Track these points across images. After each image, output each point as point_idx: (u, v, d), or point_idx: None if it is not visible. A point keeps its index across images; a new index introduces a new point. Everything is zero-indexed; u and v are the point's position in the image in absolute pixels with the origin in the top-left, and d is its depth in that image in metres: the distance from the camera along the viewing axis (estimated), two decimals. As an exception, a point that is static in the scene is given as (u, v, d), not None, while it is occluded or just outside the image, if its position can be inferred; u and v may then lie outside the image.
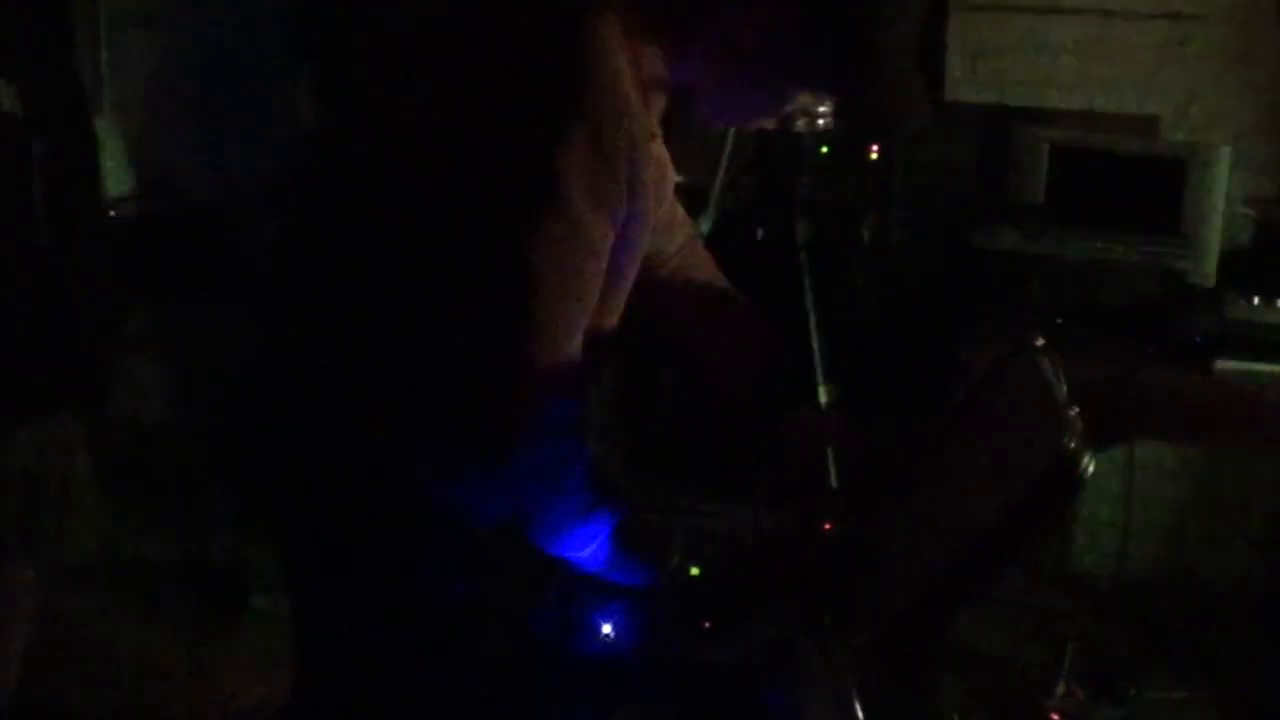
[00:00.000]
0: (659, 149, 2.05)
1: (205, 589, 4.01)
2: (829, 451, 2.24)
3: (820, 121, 2.15)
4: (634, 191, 1.84)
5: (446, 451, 1.89)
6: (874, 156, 3.86)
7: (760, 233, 3.76)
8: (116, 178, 4.63)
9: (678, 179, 2.26)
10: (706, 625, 2.07)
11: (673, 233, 2.32)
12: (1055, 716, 3.60)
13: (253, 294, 2.27)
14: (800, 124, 2.08)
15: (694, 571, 2.04)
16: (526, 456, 1.85)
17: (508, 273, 1.79)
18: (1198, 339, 3.58)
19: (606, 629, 2.06)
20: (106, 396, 3.22)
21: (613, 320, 1.98)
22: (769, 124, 2.15)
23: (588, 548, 1.95)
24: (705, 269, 2.36)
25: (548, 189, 1.76)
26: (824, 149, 3.67)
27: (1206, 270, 3.82)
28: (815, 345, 3.05)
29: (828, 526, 2.12)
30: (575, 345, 1.87)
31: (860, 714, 1.91)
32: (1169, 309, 3.74)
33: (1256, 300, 3.64)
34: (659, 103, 1.97)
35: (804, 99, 2.06)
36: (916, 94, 1.91)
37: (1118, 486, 4.06)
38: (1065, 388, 1.84)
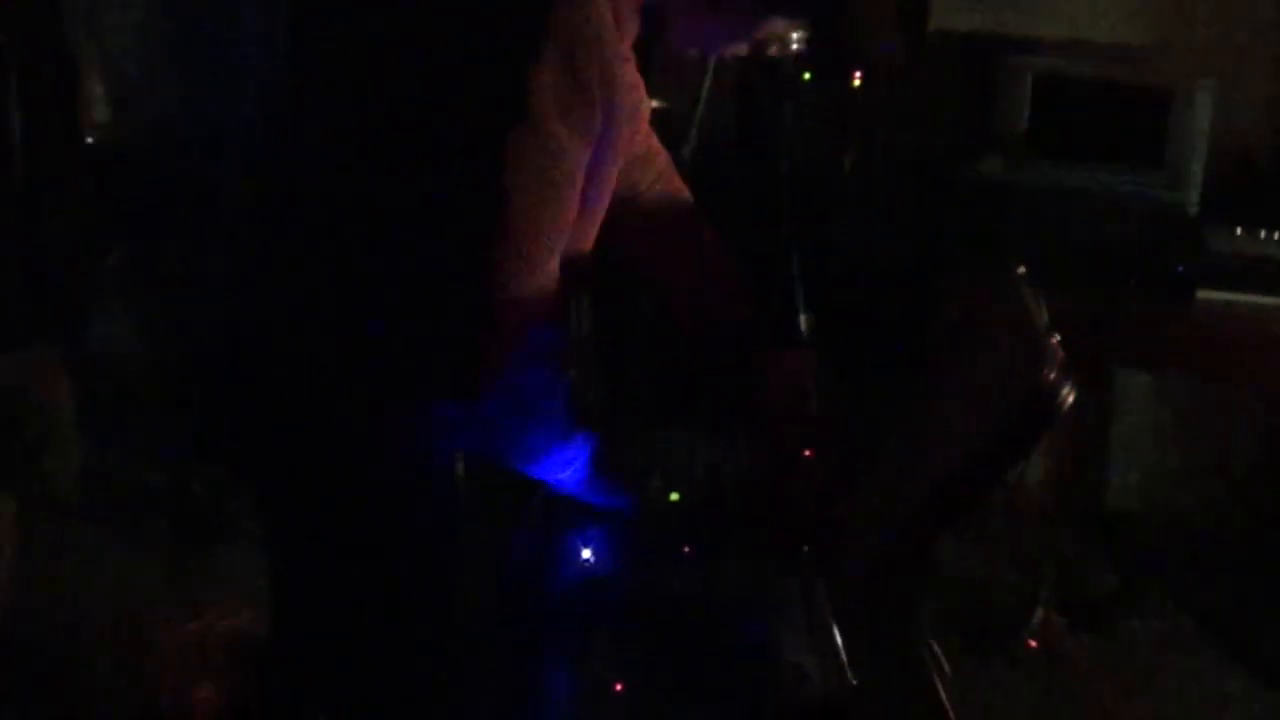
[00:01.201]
0: (633, 74, 2.04)
1: (186, 517, 4.01)
2: (811, 380, 2.24)
3: (794, 47, 2.13)
4: (608, 114, 1.85)
5: (423, 378, 1.89)
6: (857, 84, 3.83)
7: (742, 161, 3.75)
8: (95, 107, 4.59)
9: (656, 105, 2.25)
10: (686, 552, 2.08)
11: (648, 163, 2.31)
12: (1033, 644, 3.62)
13: (230, 223, 2.27)
14: (774, 50, 2.07)
15: (673, 497, 2.06)
16: (506, 382, 1.85)
17: (483, 193, 1.79)
18: (1180, 270, 3.58)
19: (586, 554, 2.07)
20: (86, 327, 3.21)
21: (587, 246, 1.99)
22: (741, 50, 2.15)
23: (566, 470, 1.96)
24: (679, 203, 2.36)
25: (520, 108, 1.76)
26: (806, 75, 3.65)
27: (1190, 201, 3.82)
28: (795, 275, 3.05)
29: (808, 454, 2.13)
30: (553, 268, 1.87)
31: (840, 644, 1.92)
32: (1151, 240, 3.74)
33: (1239, 231, 3.65)
34: (632, 26, 1.97)
35: (776, 25, 2.05)
36: (886, 22, 1.91)
37: (1098, 417, 4.07)
38: (1045, 317, 1.84)
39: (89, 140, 4.12)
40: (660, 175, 2.34)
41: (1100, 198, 3.82)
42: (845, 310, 3.53)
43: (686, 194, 2.39)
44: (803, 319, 2.87)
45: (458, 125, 1.79)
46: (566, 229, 1.89)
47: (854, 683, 1.86)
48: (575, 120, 1.80)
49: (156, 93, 4.66)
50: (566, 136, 1.80)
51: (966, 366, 2.01)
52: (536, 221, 1.82)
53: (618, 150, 1.94)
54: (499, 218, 1.79)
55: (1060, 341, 1.75)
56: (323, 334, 1.93)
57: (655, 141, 2.35)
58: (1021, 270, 1.97)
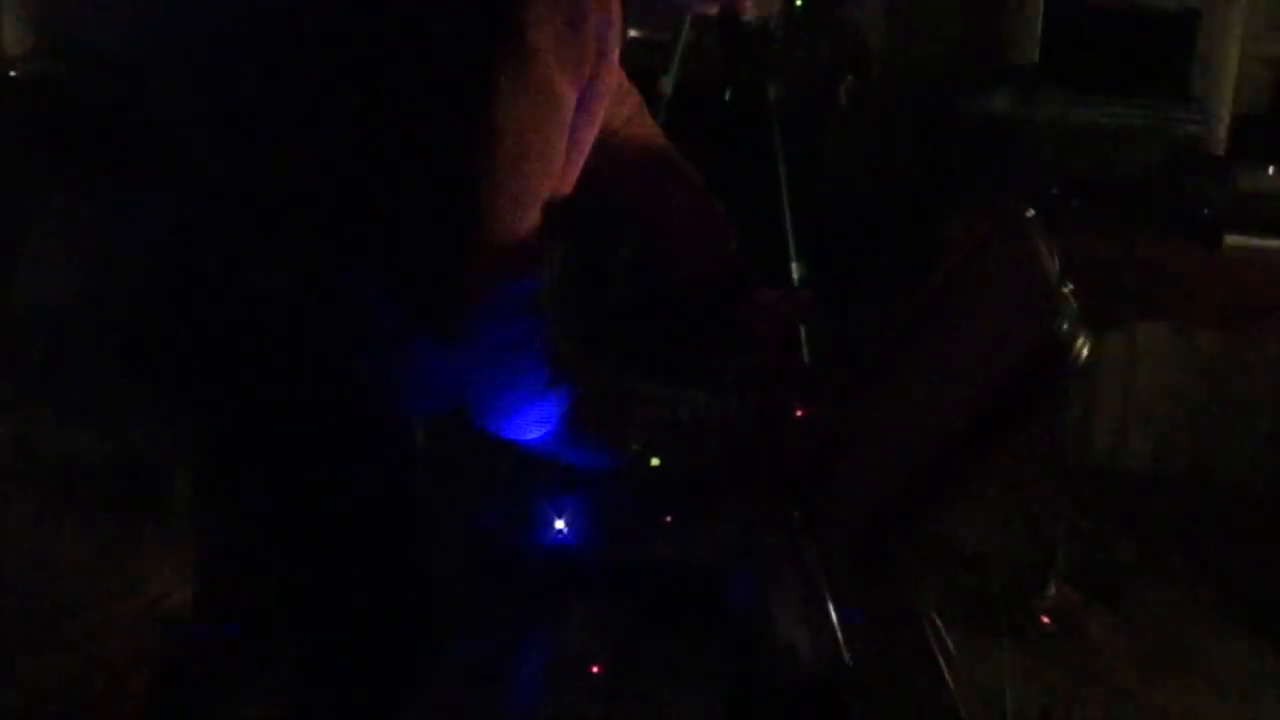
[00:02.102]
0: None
1: (127, 485, 4.01)
2: (800, 330, 2.26)
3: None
4: (602, 53, 1.89)
5: (393, 330, 1.92)
6: (852, 10, 3.83)
7: (728, 94, 3.75)
8: (15, 34, 4.56)
9: (632, 34, 2.26)
10: (667, 519, 2.10)
11: (620, 101, 2.33)
12: (1045, 619, 3.65)
13: (168, 164, 2.26)
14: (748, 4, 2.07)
15: (654, 461, 2.07)
16: (483, 334, 1.88)
17: (470, 133, 1.81)
18: (1206, 212, 3.59)
19: (559, 522, 2.09)
20: (10, 279, 3.20)
21: (567, 188, 2.00)
22: (711, 9, 2.15)
23: (539, 429, 1.97)
24: (655, 141, 2.38)
25: (520, 50, 1.79)
26: (798, 1, 3.65)
27: (1217, 137, 3.82)
28: (787, 217, 3.06)
29: (799, 413, 2.15)
30: (535, 215, 1.89)
31: (834, 618, 1.94)
32: (1175, 179, 3.74)
33: (1271, 170, 3.65)
34: None
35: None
36: None
37: (1115, 373, 4.10)
38: (1058, 264, 1.85)
39: (11, 74, 4.10)
40: (634, 112, 2.36)
41: (1118, 133, 3.81)
42: (840, 256, 3.54)
43: (660, 134, 2.41)
44: (794, 266, 2.89)
45: (445, 60, 1.82)
46: (555, 173, 1.91)
47: (849, 662, 1.88)
48: (570, 59, 1.83)
49: (81, 17, 4.63)
50: (559, 75, 1.83)
51: (971, 318, 2.02)
52: (525, 162, 1.84)
53: (606, 92, 1.97)
54: (488, 158, 1.82)
55: (1073, 291, 1.76)
56: (274, 285, 1.94)
57: (626, 79, 2.37)
58: (1031, 213, 1.98)
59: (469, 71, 1.81)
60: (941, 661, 1.92)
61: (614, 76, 2.20)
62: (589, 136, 2.00)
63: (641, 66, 2.41)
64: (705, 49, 3.80)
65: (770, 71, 3.52)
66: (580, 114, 1.93)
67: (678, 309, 2.38)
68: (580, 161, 2.01)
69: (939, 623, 1.97)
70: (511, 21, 1.78)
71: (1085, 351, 1.71)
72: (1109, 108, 3.82)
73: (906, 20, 4.14)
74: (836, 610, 1.94)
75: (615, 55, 2.18)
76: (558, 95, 1.84)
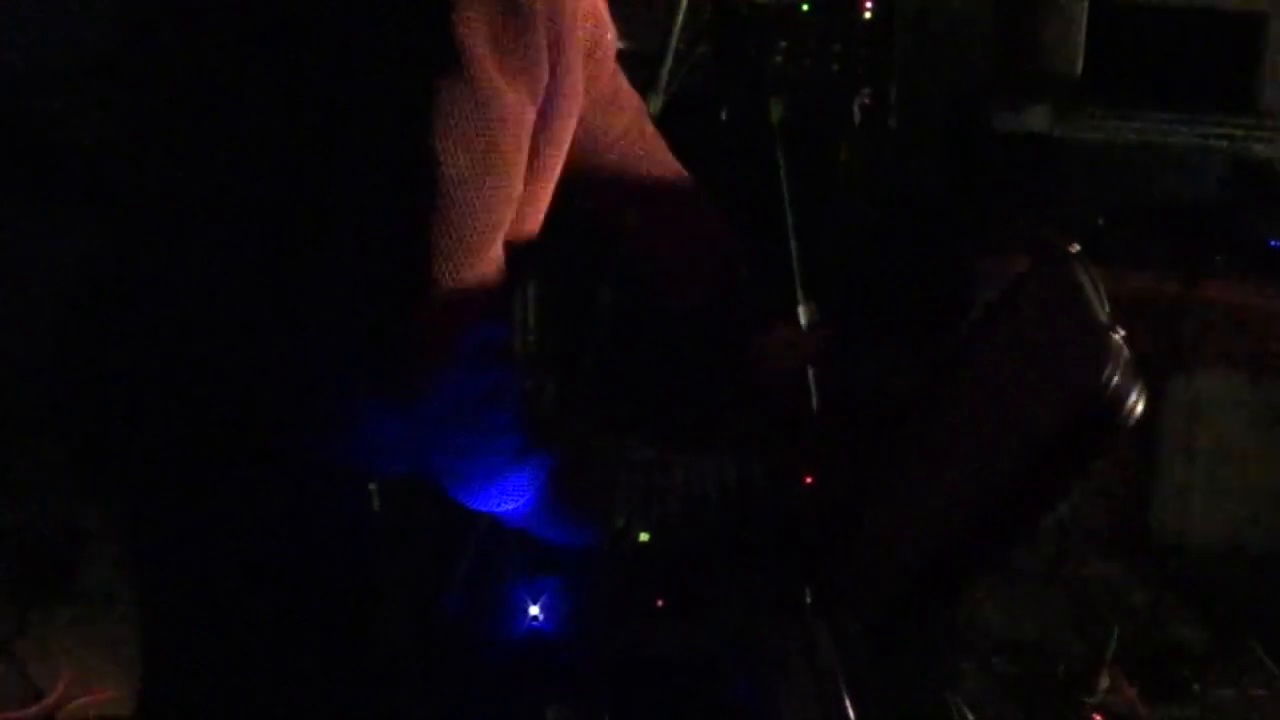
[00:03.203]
0: (592, 2, 2.07)
1: (26, 565, 4.01)
2: (810, 378, 2.26)
3: None
4: (559, 58, 1.88)
5: (339, 388, 1.92)
6: (868, 15, 3.85)
7: (725, 114, 3.77)
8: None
9: (620, 45, 2.28)
10: (659, 604, 2.10)
11: (616, 111, 2.34)
12: (1098, 717, 3.65)
13: (78, 200, 2.28)
14: None
15: (643, 537, 2.07)
16: (444, 391, 1.88)
17: (410, 162, 1.80)
18: (1273, 244, 3.61)
19: (534, 609, 2.09)
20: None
21: (535, 222, 2.01)
22: None
23: (515, 501, 1.98)
24: (657, 156, 2.39)
25: (450, 54, 1.78)
26: (804, 6, 3.68)
27: (1286, 157, 3.85)
28: (793, 253, 3.08)
29: (809, 480, 2.15)
30: (497, 251, 1.90)
31: (850, 714, 1.94)
32: (1240, 206, 3.76)
33: (1349, 195, 3.68)
34: None
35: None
36: None
37: (1176, 431, 4.11)
38: (1106, 305, 1.86)
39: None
40: (632, 124, 2.37)
41: (1172, 154, 3.83)
42: (855, 296, 3.55)
43: (665, 148, 2.42)
44: (802, 309, 2.89)
45: (375, 79, 1.81)
46: (514, 201, 1.91)
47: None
48: (518, 67, 1.82)
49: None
50: (507, 85, 1.82)
51: (1007, 368, 2.03)
52: (478, 191, 1.83)
53: (573, 104, 1.97)
54: (433, 189, 1.80)
55: (1125, 336, 1.77)
56: (208, 337, 1.95)
57: (624, 83, 2.37)
58: (1075, 247, 1.99)
59: (395, 84, 1.81)
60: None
61: (603, 77, 2.22)
62: (557, 159, 2.00)
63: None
64: (697, 62, 3.82)
65: (773, 85, 3.54)
66: (544, 129, 1.92)
67: (671, 355, 2.39)
68: (548, 189, 2.02)
69: (968, 715, 1.98)
70: (437, 21, 1.77)
71: (1140, 407, 1.71)
72: (1163, 124, 3.84)
73: (931, 24, 4.16)
74: (854, 706, 1.94)
75: (604, 53, 2.20)
76: (504, 105, 1.83)
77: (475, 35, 1.78)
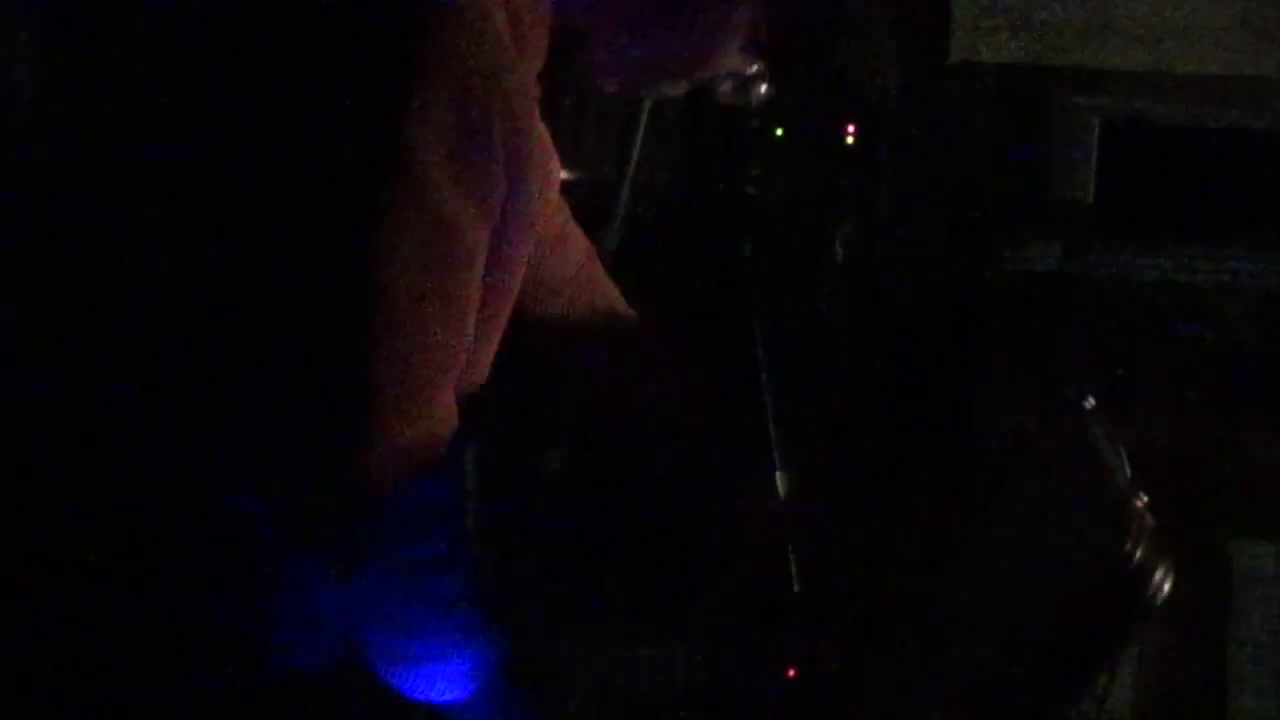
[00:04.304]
0: (539, 126, 2.09)
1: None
2: (789, 554, 2.27)
3: (758, 89, 2.14)
4: (516, 175, 1.89)
5: (255, 559, 1.91)
6: (850, 140, 3.88)
7: (688, 250, 3.79)
8: None
9: (565, 175, 2.29)
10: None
11: (565, 250, 2.36)
12: None
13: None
14: (727, 90, 2.09)
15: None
16: (387, 553, 1.87)
17: (346, 289, 1.81)
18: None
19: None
20: None
21: (482, 371, 2.01)
22: (681, 90, 2.17)
23: (459, 689, 1.98)
24: (608, 297, 2.40)
25: (396, 167, 1.79)
26: (777, 130, 3.70)
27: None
28: (768, 410, 3.09)
29: (792, 673, 2.16)
30: (446, 400, 1.91)
31: None
32: (1276, 350, 3.77)
33: None
34: (538, 54, 2.01)
35: (730, 59, 2.08)
36: (887, 53, 1.96)
37: (1212, 612, 4.11)
38: (1127, 468, 1.87)
39: None
40: (580, 270, 2.39)
41: (1199, 294, 3.85)
42: (845, 460, 3.56)
43: (616, 292, 2.45)
44: (779, 477, 2.90)
45: (311, 192, 1.82)
46: (464, 343, 1.91)
47: None
48: (472, 182, 1.83)
49: None
50: (460, 204, 1.82)
51: (1015, 541, 2.04)
52: (425, 325, 1.84)
53: (528, 232, 1.98)
54: (373, 320, 1.81)
55: (1148, 503, 1.77)
56: (108, 495, 1.94)
57: (571, 222, 2.39)
58: (1091, 401, 2.01)
59: (332, 198, 1.81)
60: None
61: (549, 213, 2.23)
62: (508, 294, 2.01)
63: (574, 216, 2.44)
64: (658, 188, 3.84)
65: (744, 219, 3.56)
66: (497, 258, 1.93)
67: (633, 526, 2.40)
68: (499, 328, 2.03)
69: None
70: (385, 126, 1.79)
71: (1167, 585, 1.72)
72: (1185, 260, 3.86)
73: (924, 148, 4.19)
74: None
75: (551, 186, 2.21)
76: (455, 228, 1.84)
77: (429, 149, 1.79)
